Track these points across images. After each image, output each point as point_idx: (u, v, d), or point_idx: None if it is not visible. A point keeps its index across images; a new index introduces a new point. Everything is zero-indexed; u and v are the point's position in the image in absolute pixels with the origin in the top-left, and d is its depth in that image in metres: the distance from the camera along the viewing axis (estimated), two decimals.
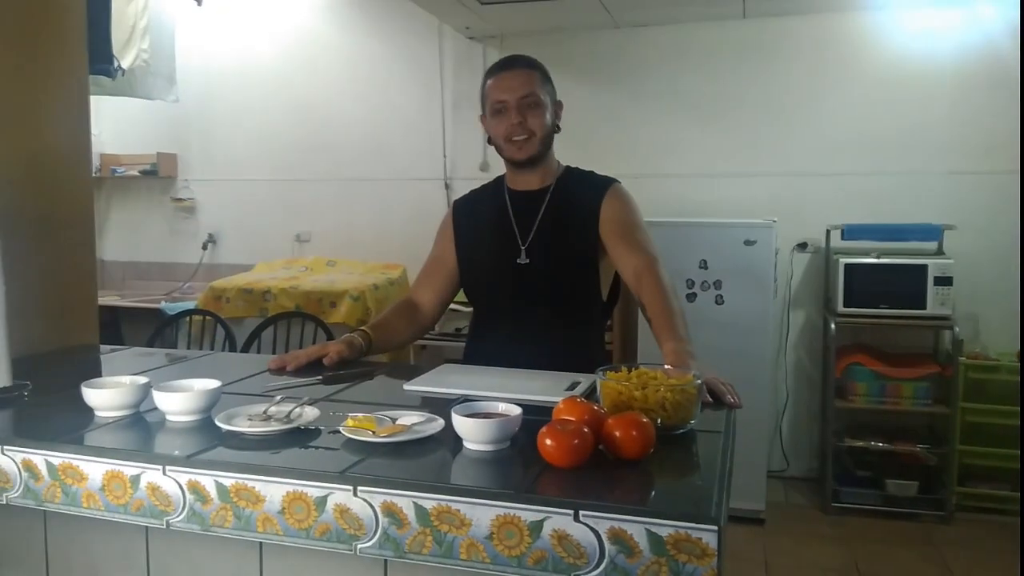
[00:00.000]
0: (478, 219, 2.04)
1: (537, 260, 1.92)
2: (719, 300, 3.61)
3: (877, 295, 3.61)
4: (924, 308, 3.54)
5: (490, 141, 1.97)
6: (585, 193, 1.95)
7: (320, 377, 1.70)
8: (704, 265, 3.61)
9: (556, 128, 1.96)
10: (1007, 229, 3.75)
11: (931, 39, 3.81)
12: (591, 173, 2.03)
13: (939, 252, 3.68)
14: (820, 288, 4.05)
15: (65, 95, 2.25)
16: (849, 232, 3.74)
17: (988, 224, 3.77)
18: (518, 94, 1.86)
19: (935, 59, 3.81)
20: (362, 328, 1.95)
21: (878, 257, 3.64)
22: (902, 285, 3.58)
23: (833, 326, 3.66)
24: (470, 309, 3.75)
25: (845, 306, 3.64)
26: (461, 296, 2.18)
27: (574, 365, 1.67)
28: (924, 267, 3.54)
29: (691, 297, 3.59)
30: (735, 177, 4.10)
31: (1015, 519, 3.53)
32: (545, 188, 1.97)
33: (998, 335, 3.77)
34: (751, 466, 3.49)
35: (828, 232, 3.88)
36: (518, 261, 1.93)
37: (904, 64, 3.86)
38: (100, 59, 3.25)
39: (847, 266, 3.64)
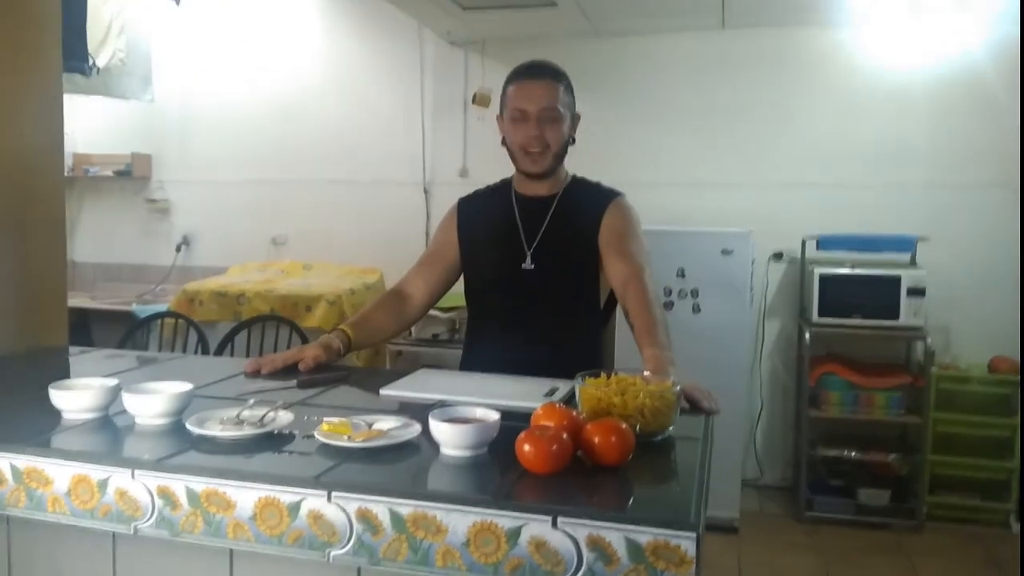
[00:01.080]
0: (483, 220, 2.04)
1: (542, 266, 1.93)
2: (696, 308, 3.62)
3: (851, 305, 3.64)
4: (897, 319, 3.57)
5: (504, 143, 1.97)
6: (590, 203, 1.97)
7: (295, 381, 1.67)
8: (681, 273, 3.63)
9: (571, 140, 1.97)
10: (980, 241, 3.81)
11: (908, 53, 3.86)
12: (598, 184, 2.04)
13: (912, 263, 3.73)
14: (795, 297, 4.08)
15: (38, 92, 2.21)
16: (824, 242, 3.77)
17: (961, 236, 3.82)
18: (539, 106, 1.87)
19: (912, 73, 3.86)
20: (340, 327, 1.92)
21: (852, 268, 3.68)
22: (876, 296, 3.61)
23: (807, 335, 3.68)
24: (448, 315, 3.78)
25: (820, 316, 3.67)
26: (440, 302, 2.17)
27: (572, 370, 1.67)
28: (898, 278, 3.57)
29: (668, 305, 3.60)
30: (712, 186, 4.13)
31: (985, 528, 3.58)
32: (553, 196, 1.98)
33: (969, 346, 3.82)
34: (725, 475, 3.49)
35: (803, 242, 3.91)
36: (523, 266, 1.93)
37: (881, 77, 3.91)
38: (74, 56, 3.22)
39: (822, 276, 3.67)
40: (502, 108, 1.96)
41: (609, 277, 1.90)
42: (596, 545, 0.98)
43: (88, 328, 4.55)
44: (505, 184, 2.07)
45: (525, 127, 1.88)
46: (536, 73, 1.91)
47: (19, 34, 2.13)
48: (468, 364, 2.03)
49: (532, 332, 1.92)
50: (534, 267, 1.93)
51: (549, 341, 1.90)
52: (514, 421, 1.24)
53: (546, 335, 1.92)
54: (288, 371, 1.76)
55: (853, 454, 3.72)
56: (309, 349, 1.82)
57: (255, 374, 1.75)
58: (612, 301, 2.05)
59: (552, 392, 1.55)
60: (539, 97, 1.87)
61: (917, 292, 3.55)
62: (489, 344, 2.00)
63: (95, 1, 3.56)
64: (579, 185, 2.03)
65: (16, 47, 2.13)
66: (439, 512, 1.03)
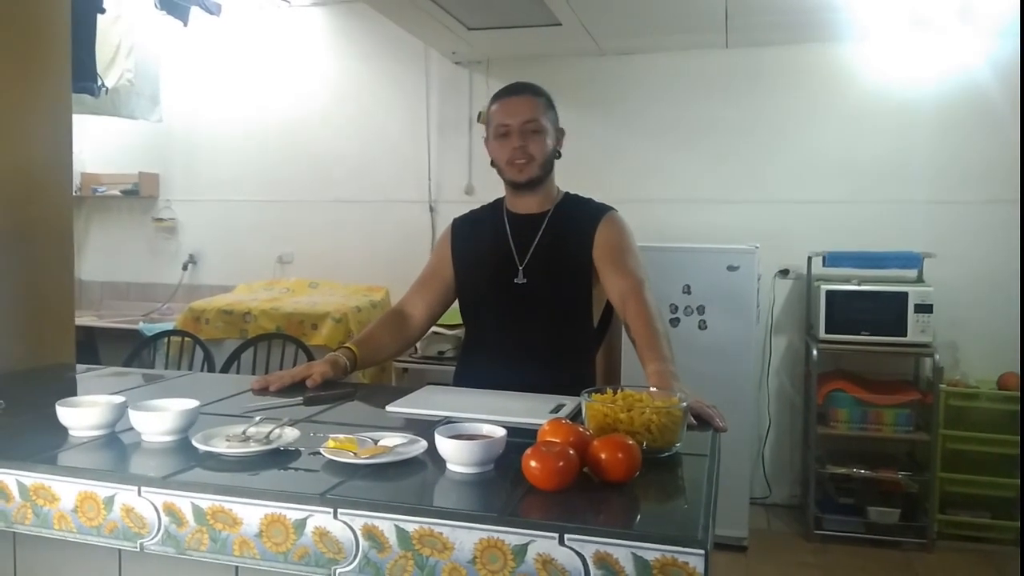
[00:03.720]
0: (476, 238, 2.06)
1: (534, 281, 1.94)
2: (702, 325, 3.61)
3: (858, 322, 3.63)
4: (905, 335, 3.56)
5: (493, 164, 2.01)
6: (582, 219, 1.98)
7: (301, 398, 1.67)
8: (687, 290, 3.62)
9: (557, 154, 2.00)
10: (986, 257, 3.80)
11: (912, 69, 3.87)
12: (589, 200, 2.06)
13: (919, 280, 3.71)
14: (802, 314, 4.07)
15: (47, 112, 2.23)
16: (830, 259, 3.76)
17: (968, 252, 3.81)
18: (521, 119, 1.91)
19: (916, 89, 3.87)
20: (346, 345, 1.93)
21: (859, 284, 3.66)
22: (883, 312, 3.60)
23: (815, 352, 3.67)
24: (453, 332, 3.79)
25: (827, 332, 3.66)
26: (444, 319, 2.18)
27: (565, 387, 1.67)
28: (905, 295, 3.56)
29: (674, 322, 3.60)
30: (718, 203, 4.13)
31: (996, 547, 3.54)
32: (544, 212, 2.00)
33: (977, 362, 3.80)
34: (734, 492, 3.47)
35: (810, 259, 3.90)
36: (516, 281, 1.95)
37: (885, 94, 3.91)
38: (84, 77, 3.24)
39: (828, 293, 3.66)
40: (488, 130, 2.00)
41: (608, 292, 1.91)
42: (603, 562, 0.97)
43: (94, 346, 4.56)
44: (498, 203, 2.10)
45: (509, 141, 1.92)
46: (515, 90, 1.97)
47: (29, 54, 2.16)
48: (461, 379, 2.02)
49: (525, 346, 1.93)
50: (527, 281, 1.94)
51: (542, 355, 1.91)
52: (520, 437, 1.24)
53: (539, 349, 1.93)
54: (295, 388, 1.76)
55: (862, 472, 3.69)
56: (317, 366, 1.83)
57: (263, 391, 1.75)
58: (606, 318, 2.05)
59: (558, 408, 1.54)
60: (521, 111, 1.92)
61: (924, 308, 3.54)
62: (482, 359, 2.01)
63: (104, 22, 3.58)
64: (571, 201, 2.05)
65: (26, 67, 2.15)
66: (445, 529, 1.03)
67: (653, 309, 1.77)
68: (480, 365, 1.99)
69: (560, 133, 2.00)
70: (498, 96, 1.98)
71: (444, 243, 2.11)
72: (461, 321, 2.12)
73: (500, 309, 1.98)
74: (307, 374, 1.80)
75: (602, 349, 2.12)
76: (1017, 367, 3.60)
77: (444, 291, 2.08)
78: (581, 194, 2.08)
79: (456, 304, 2.12)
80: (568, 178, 2.09)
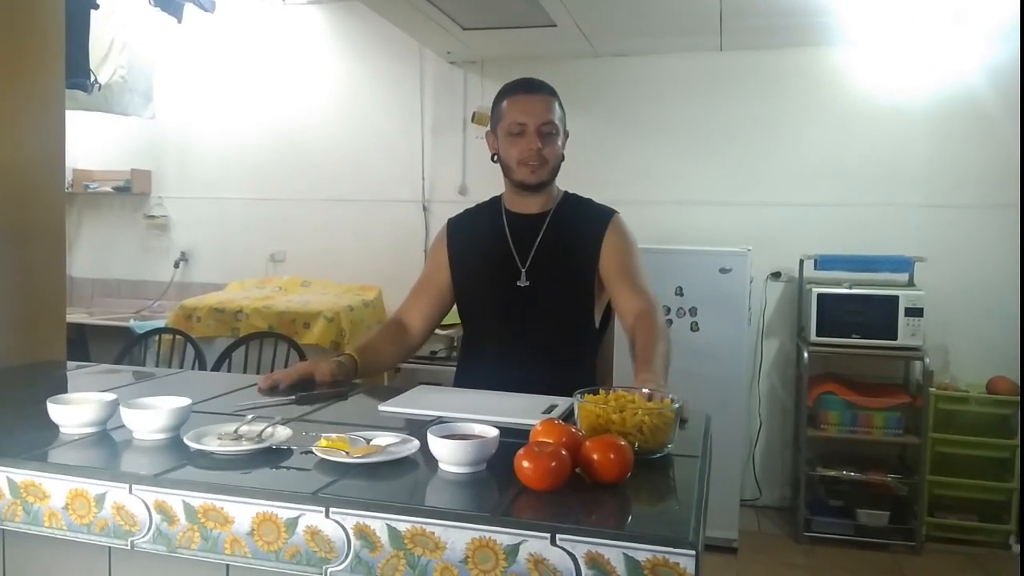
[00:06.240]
0: (474, 238, 2.04)
1: (538, 283, 1.93)
2: (694, 327, 3.62)
3: (849, 325, 3.64)
4: (895, 339, 3.57)
5: (494, 159, 1.97)
6: (586, 221, 1.97)
7: (294, 397, 1.67)
8: (680, 292, 3.63)
9: (562, 157, 1.97)
10: (977, 262, 3.82)
11: (905, 73, 3.89)
12: (590, 201, 2.04)
13: (910, 283, 3.73)
14: (793, 317, 4.08)
15: (40, 108, 2.22)
16: (822, 262, 3.78)
17: (959, 257, 3.83)
18: (539, 120, 1.88)
19: (909, 93, 3.89)
20: (348, 353, 1.92)
21: (850, 287, 3.68)
22: (874, 315, 3.61)
23: (806, 355, 3.68)
24: (446, 332, 3.79)
25: (818, 335, 3.67)
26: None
27: (568, 387, 1.66)
28: (895, 298, 3.58)
29: (667, 324, 3.59)
30: (711, 205, 4.14)
31: (984, 550, 3.56)
32: (545, 212, 1.98)
33: (967, 366, 3.82)
34: (724, 494, 3.47)
35: (801, 262, 3.92)
36: (519, 283, 1.93)
37: (879, 98, 3.93)
38: (77, 73, 3.23)
39: (820, 296, 3.68)
40: (494, 123, 1.95)
41: (618, 308, 1.90)
42: (594, 562, 0.97)
43: (85, 344, 4.54)
44: (495, 202, 2.07)
45: (524, 140, 1.88)
46: (534, 88, 1.93)
47: (22, 50, 2.15)
48: (462, 382, 2.01)
49: (528, 349, 1.92)
50: (529, 284, 1.93)
51: (545, 358, 1.90)
52: (513, 438, 1.24)
53: (542, 352, 1.91)
54: (292, 387, 1.75)
55: (852, 474, 3.70)
56: (324, 364, 1.82)
57: (271, 391, 1.72)
58: (606, 318, 2.05)
59: (551, 409, 1.55)
60: (538, 112, 1.88)
61: (915, 312, 3.55)
62: (484, 362, 1.99)
63: (97, 18, 3.58)
64: (571, 201, 2.03)
65: (19, 63, 2.14)
66: (437, 528, 1.03)
67: (661, 331, 1.76)
68: (483, 366, 1.98)
69: (566, 135, 1.98)
70: (513, 91, 1.93)
71: (440, 247, 2.07)
72: (455, 322, 2.11)
73: (503, 311, 1.96)
74: (311, 370, 1.79)
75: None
76: (1007, 371, 3.62)
77: (440, 298, 2.05)
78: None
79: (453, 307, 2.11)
80: (560, 179, 2.08)
